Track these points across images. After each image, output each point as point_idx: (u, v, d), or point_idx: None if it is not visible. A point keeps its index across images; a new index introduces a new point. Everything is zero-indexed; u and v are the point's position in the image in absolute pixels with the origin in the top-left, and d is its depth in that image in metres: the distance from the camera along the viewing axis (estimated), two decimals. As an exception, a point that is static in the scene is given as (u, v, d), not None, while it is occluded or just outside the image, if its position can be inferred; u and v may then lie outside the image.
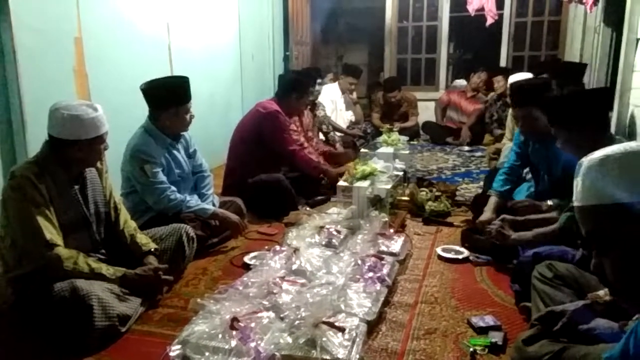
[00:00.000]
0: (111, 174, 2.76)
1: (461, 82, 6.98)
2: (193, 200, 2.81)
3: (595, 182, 0.86)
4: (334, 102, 5.78)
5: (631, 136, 3.58)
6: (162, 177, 2.70)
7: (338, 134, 5.45)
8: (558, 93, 2.18)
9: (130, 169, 2.70)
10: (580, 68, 4.07)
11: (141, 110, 2.83)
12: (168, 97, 2.70)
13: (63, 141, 2.02)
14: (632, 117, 3.65)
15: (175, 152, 2.85)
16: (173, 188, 2.73)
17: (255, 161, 3.58)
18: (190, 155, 3.00)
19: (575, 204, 0.92)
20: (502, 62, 7.00)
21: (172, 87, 2.76)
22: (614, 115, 3.77)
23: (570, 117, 2.04)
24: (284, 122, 3.67)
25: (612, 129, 3.43)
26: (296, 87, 3.80)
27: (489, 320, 2.00)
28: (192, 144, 3.02)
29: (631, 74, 3.69)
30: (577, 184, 0.91)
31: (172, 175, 2.78)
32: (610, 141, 1.99)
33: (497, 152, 4.98)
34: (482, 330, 1.94)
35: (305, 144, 3.91)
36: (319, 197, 3.74)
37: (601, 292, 1.59)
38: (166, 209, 2.70)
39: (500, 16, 6.78)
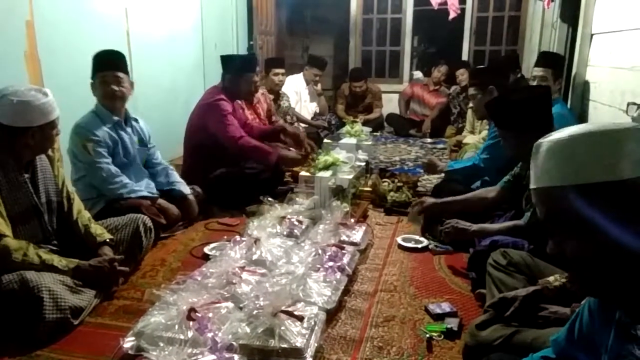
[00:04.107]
0: (64, 163, 2.68)
1: (418, 74, 7.07)
2: (134, 187, 2.77)
3: (556, 163, 0.85)
4: (298, 93, 5.75)
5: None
6: (105, 156, 2.67)
7: (302, 125, 5.44)
8: (502, 97, 2.25)
9: (73, 147, 2.66)
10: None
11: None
12: (93, 64, 2.73)
13: (12, 128, 1.94)
14: (586, 109, 3.78)
15: (122, 132, 2.80)
16: (117, 169, 2.71)
17: (211, 153, 3.47)
18: (145, 145, 2.97)
19: (533, 185, 0.91)
20: (464, 56, 7.11)
21: (98, 54, 2.74)
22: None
23: (516, 122, 2.10)
24: (224, 109, 3.45)
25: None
26: (238, 67, 3.61)
27: (446, 307, 2.04)
28: (148, 136, 2.99)
29: (585, 68, 3.81)
30: (536, 165, 0.89)
31: (117, 157, 2.75)
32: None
33: (458, 144, 5.08)
34: (439, 317, 1.98)
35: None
36: (281, 188, 3.73)
37: (551, 278, 1.65)
38: (111, 190, 2.67)
39: (463, 10, 6.89)
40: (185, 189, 3.06)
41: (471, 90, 3.17)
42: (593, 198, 0.80)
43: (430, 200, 2.71)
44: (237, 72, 3.58)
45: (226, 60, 3.69)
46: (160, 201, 2.85)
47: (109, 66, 2.71)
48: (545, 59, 3.52)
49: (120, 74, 2.73)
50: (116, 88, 2.70)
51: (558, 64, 3.50)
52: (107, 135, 2.71)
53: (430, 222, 2.86)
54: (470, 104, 4.88)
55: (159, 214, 2.74)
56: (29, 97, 1.93)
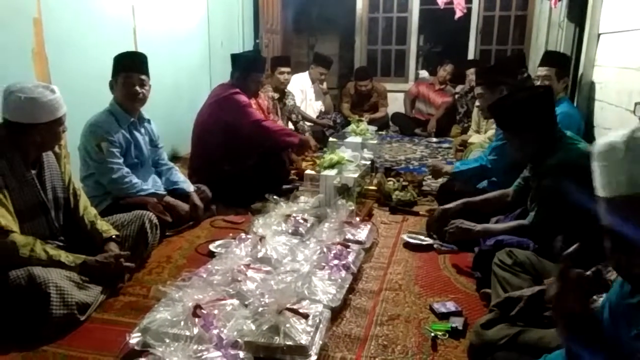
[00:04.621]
0: (72, 160, 2.69)
1: (423, 74, 7.05)
2: (143, 186, 2.77)
3: None
4: (303, 91, 5.75)
5: (590, 128, 3.69)
6: (118, 157, 2.67)
7: (307, 123, 5.44)
8: (502, 99, 2.24)
9: (87, 145, 2.65)
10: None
11: (104, 94, 2.77)
12: (117, 64, 2.72)
13: (19, 125, 1.96)
14: (592, 110, 3.76)
15: (136, 133, 2.82)
16: (128, 170, 2.70)
17: (220, 151, 3.49)
18: (155, 145, 2.99)
19: (611, 194, 0.84)
20: (470, 55, 7.09)
21: (124, 55, 2.76)
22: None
23: (518, 123, 2.09)
24: (241, 100, 3.50)
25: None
26: (247, 66, 3.62)
27: (451, 306, 2.04)
28: (157, 136, 3.00)
29: (592, 68, 3.79)
30: (618, 169, 0.81)
31: (129, 157, 2.75)
32: (561, 138, 2.05)
33: (464, 144, 5.06)
34: (444, 316, 1.98)
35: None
36: (287, 186, 3.73)
37: (557, 278, 1.65)
38: (120, 190, 2.66)
39: (469, 10, 6.87)
40: (189, 187, 3.07)
41: (478, 89, 3.16)
42: None
43: (449, 206, 2.63)
44: (247, 70, 3.59)
45: (236, 58, 3.70)
46: (168, 198, 2.85)
47: (135, 68, 2.73)
48: (549, 58, 3.51)
49: (145, 77, 2.75)
50: (140, 90, 2.72)
51: (562, 63, 3.48)
52: (122, 136, 2.71)
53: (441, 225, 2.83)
54: (477, 103, 4.86)
55: (164, 211, 2.74)
56: (36, 94, 1.94)
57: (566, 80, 3.42)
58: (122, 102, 2.74)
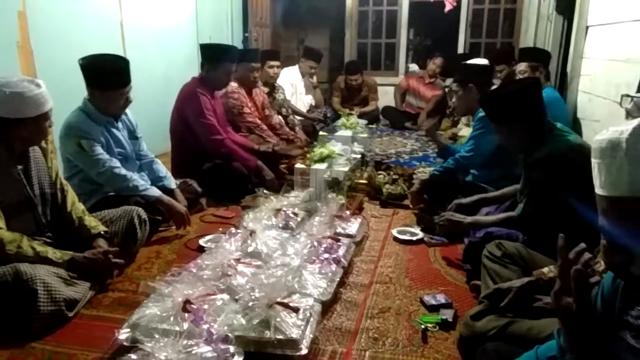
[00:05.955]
0: (57, 155, 2.65)
1: (413, 67, 7.05)
2: (139, 179, 2.69)
3: None
4: (293, 85, 5.73)
5: (578, 121, 3.72)
6: (101, 151, 2.57)
7: (298, 117, 5.42)
8: (492, 92, 2.26)
9: (67, 148, 2.56)
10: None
11: (90, 89, 2.73)
12: (100, 80, 2.55)
13: (5, 120, 1.92)
14: (580, 102, 3.78)
15: (114, 130, 2.70)
16: (117, 161, 2.62)
17: (197, 146, 3.43)
18: (135, 137, 2.87)
19: (609, 193, 0.80)
20: (460, 49, 7.10)
21: (110, 70, 2.58)
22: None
23: (506, 114, 2.09)
24: (203, 104, 3.39)
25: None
26: (216, 57, 3.50)
27: (441, 298, 2.05)
28: (135, 124, 2.88)
29: (580, 60, 3.81)
30: (618, 170, 0.76)
31: (112, 154, 2.64)
32: (551, 130, 2.06)
33: (454, 137, 5.08)
34: (434, 308, 1.99)
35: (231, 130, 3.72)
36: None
37: (545, 270, 1.65)
38: (111, 183, 2.60)
39: (459, 3, 6.87)
40: (171, 183, 2.96)
41: (454, 86, 3.16)
42: None
43: (464, 200, 2.60)
44: (216, 61, 3.49)
45: (204, 49, 3.61)
46: (164, 198, 2.75)
47: (123, 82, 2.58)
48: (522, 53, 3.85)
49: (130, 85, 2.63)
50: (129, 98, 2.64)
51: (534, 56, 3.70)
52: (100, 134, 2.59)
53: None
54: (453, 99, 4.89)
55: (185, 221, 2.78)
56: (21, 88, 1.91)
57: (542, 70, 3.60)
58: (107, 112, 2.62)
